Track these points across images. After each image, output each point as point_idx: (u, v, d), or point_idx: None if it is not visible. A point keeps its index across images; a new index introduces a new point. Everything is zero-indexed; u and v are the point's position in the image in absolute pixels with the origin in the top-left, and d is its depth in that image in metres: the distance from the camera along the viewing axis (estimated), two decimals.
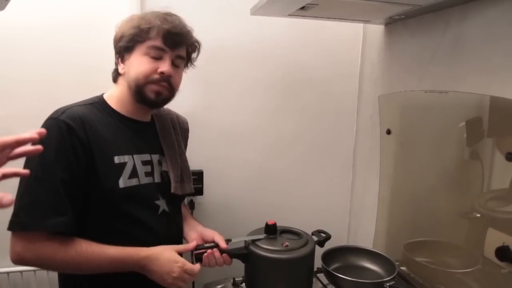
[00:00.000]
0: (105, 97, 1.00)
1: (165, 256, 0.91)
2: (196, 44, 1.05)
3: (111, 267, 0.88)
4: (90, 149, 0.88)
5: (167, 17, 0.96)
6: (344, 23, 1.37)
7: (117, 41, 0.98)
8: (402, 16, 1.22)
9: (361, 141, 1.56)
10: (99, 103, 0.98)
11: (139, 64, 0.94)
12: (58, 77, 1.31)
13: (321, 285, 1.18)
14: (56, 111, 0.90)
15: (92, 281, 0.92)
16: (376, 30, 1.42)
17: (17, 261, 0.85)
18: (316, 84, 1.52)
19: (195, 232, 1.07)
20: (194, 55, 1.07)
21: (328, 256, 1.16)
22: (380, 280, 1.05)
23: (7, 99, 1.29)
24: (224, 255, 1.00)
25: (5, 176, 0.57)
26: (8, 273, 1.33)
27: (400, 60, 1.30)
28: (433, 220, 1.14)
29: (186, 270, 0.92)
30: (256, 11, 1.19)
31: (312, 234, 1.15)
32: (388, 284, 1.03)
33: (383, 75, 1.40)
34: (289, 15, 1.22)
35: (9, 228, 0.83)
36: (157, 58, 0.95)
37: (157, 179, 1.02)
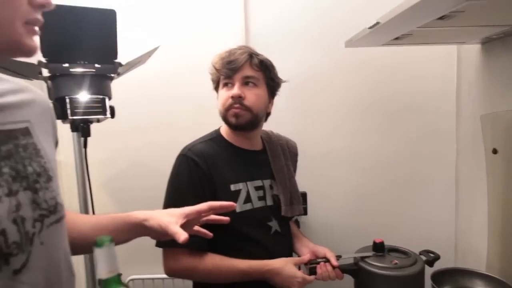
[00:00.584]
0: (221, 130, 1.17)
1: (286, 271, 1.03)
2: (264, 60, 1.10)
3: (239, 278, 1.02)
4: (212, 180, 1.04)
5: (228, 51, 1.10)
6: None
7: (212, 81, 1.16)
8: (501, 35, 1.22)
9: (463, 160, 1.53)
10: (216, 138, 1.15)
11: (220, 97, 1.11)
12: (180, 114, 1.55)
13: None
14: (184, 148, 1.09)
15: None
16: (472, 49, 1.43)
17: (168, 273, 1.04)
18: (412, 105, 1.56)
19: (306, 248, 1.17)
20: (269, 73, 1.11)
21: (438, 277, 1.16)
22: None
23: (141, 133, 1.57)
24: (336, 270, 1.08)
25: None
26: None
27: (500, 78, 1.29)
28: None
29: (304, 282, 1.02)
30: (352, 43, 1.30)
31: (420, 253, 1.17)
32: None
33: (482, 94, 1.39)
34: (383, 44, 1.31)
35: (157, 245, 1.01)
36: (229, 87, 1.09)
37: (269, 202, 1.15)
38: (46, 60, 0.99)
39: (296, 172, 1.29)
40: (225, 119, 1.11)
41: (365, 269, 1.07)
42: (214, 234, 1.03)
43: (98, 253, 0.60)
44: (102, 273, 0.60)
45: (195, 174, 1.03)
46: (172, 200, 1.03)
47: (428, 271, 1.15)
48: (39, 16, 0.56)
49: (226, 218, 0.87)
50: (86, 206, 1.21)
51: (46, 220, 0.62)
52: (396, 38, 1.20)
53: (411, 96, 1.56)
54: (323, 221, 1.55)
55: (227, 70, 1.07)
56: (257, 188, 1.13)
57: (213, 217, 0.86)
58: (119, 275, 0.62)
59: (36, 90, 0.69)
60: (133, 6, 1.51)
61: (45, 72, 1.02)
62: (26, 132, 0.62)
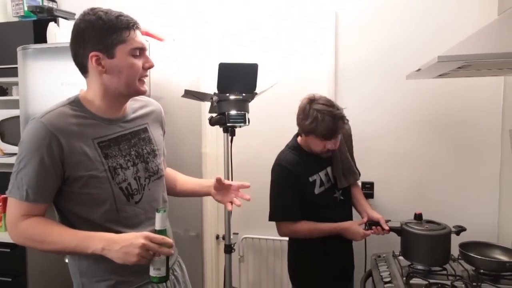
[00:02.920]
0: (299, 141, 1.77)
1: (352, 228, 1.63)
2: (347, 122, 1.62)
3: (323, 234, 1.65)
4: (299, 178, 1.67)
5: (329, 116, 1.54)
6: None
7: (298, 123, 1.67)
8: None
9: (506, 165, 1.93)
10: (296, 148, 1.75)
11: (316, 144, 1.63)
12: (283, 124, 2.24)
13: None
14: (277, 158, 1.73)
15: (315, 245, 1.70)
16: None
17: (282, 235, 1.73)
18: (461, 120, 2.02)
19: (365, 213, 1.74)
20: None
21: (465, 246, 1.60)
22: (504, 260, 1.49)
23: (257, 135, 2.29)
24: (385, 230, 1.64)
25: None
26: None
27: None
28: None
29: (364, 235, 1.61)
30: (410, 77, 1.83)
31: (453, 227, 1.65)
32: (508, 263, 1.46)
33: None
34: (433, 77, 1.81)
35: (270, 219, 1.70)
36: (324, 141, 1.60)
37: (333, 181, 1.75)
38: (217, 92, 1.77)
39: (352, 150, 1.84)
40: (316, 153, 1.68)
41: (406, 229, 1.61)
42: (304, 208, 1.66)
43: (157, 216, 1.04)
44: (157, 226, 1.04)
45: (291, 178, 1.66)
46: (276, 200, 1.70)
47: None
48: (147, 73, 1.12)
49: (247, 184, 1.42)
50: (228, 177, 1.96)
51: (151, 177, 1.19)
52: (440, 75, 1.72)
53: (461, 115, 2.02)
54: (386, 205, 2.10)
55: (328, 135, 1.57)
56: (325, 175, 1.74)
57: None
58: (165, 229, 1.05)
59: (154, 102, 1.30)
60: (262, 55, 2.26)
61: (215, 97, 1.80)
62: (146, 130, 1.21)
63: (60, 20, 2.23)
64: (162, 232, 1.04)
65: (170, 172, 1.46)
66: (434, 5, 2.03)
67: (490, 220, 2.01)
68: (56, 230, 1.03)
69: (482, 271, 1.53)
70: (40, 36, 2.18)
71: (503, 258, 1.57)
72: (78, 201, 1.08)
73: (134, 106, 1.21)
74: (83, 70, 1.11)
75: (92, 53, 1.05)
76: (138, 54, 1.09)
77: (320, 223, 1.66)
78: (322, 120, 1.54)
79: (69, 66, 1.79)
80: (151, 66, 1.12)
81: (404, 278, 1.51)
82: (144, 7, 2.35)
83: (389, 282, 1.51)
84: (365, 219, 1.69)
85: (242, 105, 1.81)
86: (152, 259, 1.01)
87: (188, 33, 2.34)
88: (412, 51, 2.03)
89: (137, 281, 1.15)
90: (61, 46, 1.85)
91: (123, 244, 0.98)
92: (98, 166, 1.07)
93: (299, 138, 1.78)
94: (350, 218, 1.78)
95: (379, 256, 1.81)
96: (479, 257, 1.53)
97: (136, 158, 1.16)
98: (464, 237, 1.64)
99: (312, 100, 1.61)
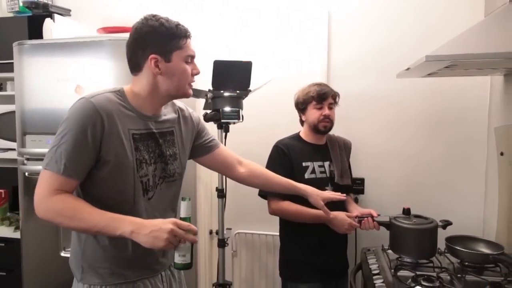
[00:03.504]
0: (301, 133, 1.86)
1: (339, 217, 1.68)
2: (336, 93, 1.82)
3: (311, 220, 1.69)
4: (291, 159, 1.75)
5: (318, 85, 1.78)
6: None
7: (298, 103, 1.84)
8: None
9: (490, 161, 2.00)
10: (296, 137, 1.85)
11: (312, 114, 1.78)
12: (277, 120, 2.28)
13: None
14: (277, 142, 1.82)
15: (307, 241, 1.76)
16: (499, 78, 1.91)
17: (272, 212, 1.78)
18: (449, 119, 2.08)
19: (356, 210, 1.80)
20: (337, 99, 1.83)
21: (451, 240, 1.66)
22: (487, 252, 1.55)
23: (252, 131, 2.33)
24: (374, 222, 1.69)
25: None
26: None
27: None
28: None
29: (350, 226, 1.67)
30: (400, 75, 1.88)
31: (440, 221, 1.71)
32: (491, 256, 1.52)
33: (503, 111, 1.86)
34: (422, 77, 1.86)
35: (260, 194, 1.78)
36: (320, 108, 1.77)
37: (328, 174, 1.81)
38: (212, 88, 1.80)
39: (349, 161, 1.93)
40: (316, 128, 1.79)
41: (394, 223, 1.66)
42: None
43: (183, 204, 1.12)
44: (183, 214, 1.12)
45: (283, 157, 1.76)
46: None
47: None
48: (194, 79, 1.22)
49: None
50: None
51: (166, 179, 1.24)
52: (429, 74, 1.77)
53: (450, 114, 2.08)
54: (376, 200, 2.15)
55: (322, 97, 1.77)
56: (320, 166, 1.81)
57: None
58: (190, 217, 1.12)
59: (183, 106, 1.36)
60: (256, 53, 2.29)
61: (210, 94, 1.83)
62: (172, 133, 1.27)
63: (56, 16, 2.25)
64: (187, 219, 1.10)
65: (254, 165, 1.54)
66: (424, 6, 2.08)
67: (476, 215, 2.07)
68: (86, 208, 1.07)
69: (466, 263, 1.59)
70: (34, 32, 2.19)
71: (487, 251, 1.62)
72: (101, 186, 1.13)
73: (166, 109, 1.29)
74: (137, 69, 1.17)
75: (152, 56, 1.12)
76: (189, 61, 1.19)
77: (309, 209, 1.67)
78: (313, 86, 1.80)
79: (65, 62, 1.86)
80: (198, 73, 1.22)
81: (392, 271, 1.57)
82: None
83: (378, 274, 1.56)
84: (355, 214, 1.74)
85: (236, 102, 1.85)
86: (178, 246, 1.05)
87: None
88: (403, 51, 2.08)
89: (133, 276, 1.19)
90: (57, 42, 1.87)
91: (152, 228, 1.02)
92: (129, 155, 1.13)
93: (301, 132, 1.88)
94: None
95: (369, 250, 1.86)
96: (464, 250, 1.59)
97: (158, 157, 1.22)
98: (450, 231, 1.70)
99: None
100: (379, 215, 1.72)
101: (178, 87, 1.18)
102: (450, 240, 1.67)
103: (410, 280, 1.47)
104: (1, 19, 2.42)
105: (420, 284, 1.42)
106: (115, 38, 1.80)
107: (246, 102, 1.91)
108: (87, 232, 1.13)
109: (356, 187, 2.12)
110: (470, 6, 1.98)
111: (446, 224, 1.69)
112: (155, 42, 1.12)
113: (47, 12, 2.26)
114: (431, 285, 1.41)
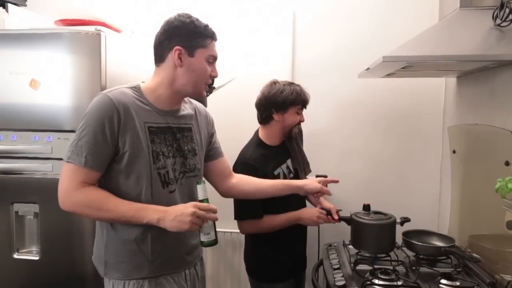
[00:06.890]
0: (260, 135, 1.82)
1: (307, 211, 1.73)
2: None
3: (283, 226, 1.70)
4: (265, 174, 1.66)
5: (298, 85, 1.74)
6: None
7: (274, 100, 1.76)
8: (459, 74, 1.80)
9: (445, 158, 2.10)
10: (260, 144, 1.77)
11: (293, 117, 1.75)
12: (242, 117, 2.29)
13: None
14: (241, 156, 1.73)
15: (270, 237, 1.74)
16: (453, 80, 2.01)
17: (245, 232, 1.78)
18: (407, 118, 2.17)
19: (318, 203, 1.83)
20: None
21: (408, 234, 1.73)
22: (440, 245, 1.63)
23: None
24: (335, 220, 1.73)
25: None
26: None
27: (465, 101, 1.86)
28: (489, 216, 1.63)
29: (318, 217, 1.70)
30: (361, 75, 1.93)
31: (400, 218, 1.77)
32: (443, 248, 1.60)
33: (456, 111, 1.96)
34: (382, 77, 1.93)
35: (236, 218, 1.72)
36: (299, 114, 1.76)
37: (293, 172, 1.83)
38: None
39: (303, 142, 1.94)
40: (289, 131, 1.76)
41: (354, 219, 1.71)
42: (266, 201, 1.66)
43: (199, 187, 1.19)
44: (200, 196, 1.18)
45: (256, 175, 1.61)
46: (241, 200, 1.67)
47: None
48: (210, 81, 1.26)
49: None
50: None
51: (186, 174, 1.28)
52: (388, 75, 1.83)
53: (407, 112, 2.17)
54: (337, 196, 2.19)
55: (306, 103, 1.75)
56: (286, 167, 1.82)
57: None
58: (207, 199, 1.19)
59: (200, 106, 1.42)
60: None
61: None
62: (190, 129, 1.32)
63: (9, 5, 2.13)
64: (205, 201, 1.18)
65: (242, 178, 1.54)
66: (386, 9, 2.16)
67: (431, 210, 2.17)
68: (112, 199, 1.13)
69: (421, 256, 1.67)
70: None
71: (440, 244, 1.71)
72: (120, 178, 1.17)
73: (185, 105, 1.34)
74: (161, 59, 1.22)
75: (176, 47, 1.18)
76: (211, 61, 1.24)
77: (279, 215, 1.70)
78: (300, 90, 1.72)
79: (19, 54, 1.76)
80: (216, 76, 1.27)
81: (352, 265, 1.61)
82: None
83: (338, 268, 1.60)
84: (318, 207, 1.77)
85: (202, 100, 1.83)
86: (201, 226, 1.13)
87: (147, 27, 2.32)
88: (365, 52, 2.12)
89: (154, 271, 1.21)
90: (10, 33, 1.77)
91: (176, 214, 1.10)
92: (144, 147, 1.17)
93: (260, 133, 1.82)
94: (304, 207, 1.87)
95: (330, 245, 1.90)
96: (419, 243, 1.67)
97: (177, 151, 1.26)
98: (408, 226, 1.77)
99: (276, 81, 1.76)
100: (340, 210, 1.77)
101: (195, 85, 1.22)
102: (406, 234, 1.75)
103: (368, 273, 1.52)
104: None
105: (377, 277, 1.48)
106: (74, 31, 1.72)
107: (210, 99, 1.90)
108: (114, 221, 1.17)
109: None
110: (427, 10, 2.07)
111: (404, 221, 1.76)
112: (182, 35, 1.18)
113: (0, 1, 2.14)
114: (387, 277, 1.47)
